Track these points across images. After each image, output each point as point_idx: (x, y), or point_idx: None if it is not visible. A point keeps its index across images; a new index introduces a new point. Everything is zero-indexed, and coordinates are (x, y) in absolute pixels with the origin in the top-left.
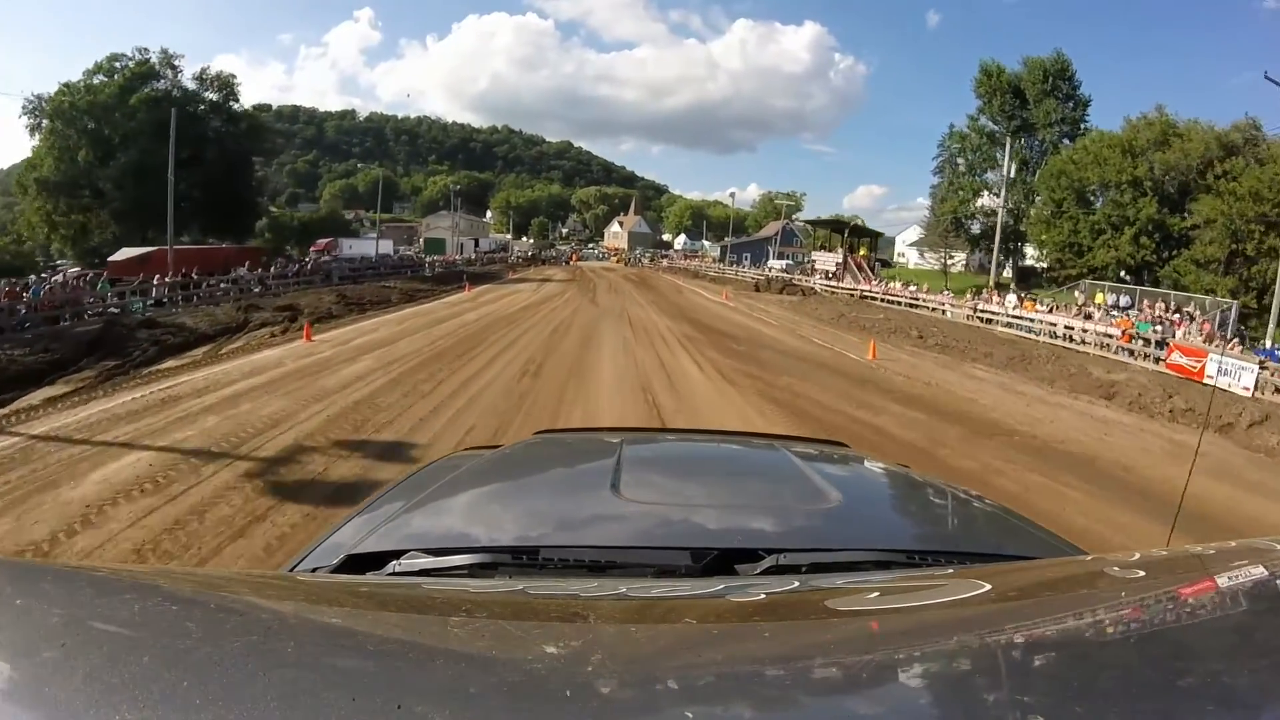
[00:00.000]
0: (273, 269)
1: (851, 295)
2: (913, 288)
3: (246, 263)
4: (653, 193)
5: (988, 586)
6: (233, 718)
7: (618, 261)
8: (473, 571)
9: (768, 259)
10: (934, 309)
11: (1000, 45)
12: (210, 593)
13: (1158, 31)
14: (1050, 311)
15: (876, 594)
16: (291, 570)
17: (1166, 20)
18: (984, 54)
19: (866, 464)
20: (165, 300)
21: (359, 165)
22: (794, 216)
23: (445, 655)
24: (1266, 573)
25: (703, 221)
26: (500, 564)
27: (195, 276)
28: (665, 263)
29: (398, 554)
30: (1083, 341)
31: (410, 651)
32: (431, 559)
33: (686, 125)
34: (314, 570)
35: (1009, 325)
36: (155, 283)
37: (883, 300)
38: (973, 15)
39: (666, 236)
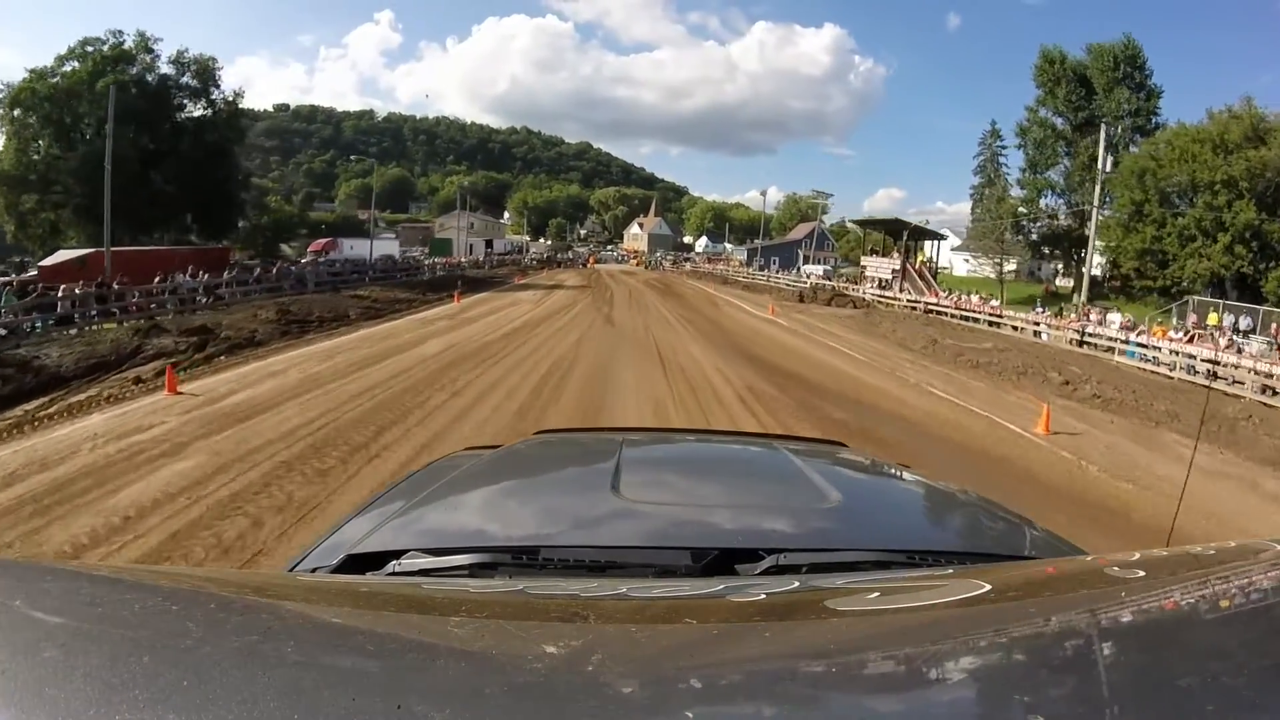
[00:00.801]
0: (226, 274)
1: (913, 309)
2: (994, 302)
3: (189, 267)
4: (672, 194)
5: (988, 586)
6: (233, 718)
7: (637, 264)
8: (473, 571)
9: (798, 263)
10: (1020, 329)
11: (1022, 47)
12: (210, 593)
13: (1181, 31)
14: (1189, 341)
15: (876, 594)
16: (291, 570)
17: (1189, 20)
18: (1007, 56)
19: (866, 464)
20: (75, 315)
21: (376, 165)
22: (825, 217)
23: (445, 655)
24: (1266, 573)
25: (725, 224)
26: (500, 564)
27: (117, 286)
28: (689, 266)
29: (398, 554)
30: (1234, 381)
31: (410, 651)
32: (431, 559)
33: (705, 127)
34: (314, 570)
35: (1114, 352)
36: (60, 294)
37: (955, 316)
38: (994, 17)
39: (687, 239)
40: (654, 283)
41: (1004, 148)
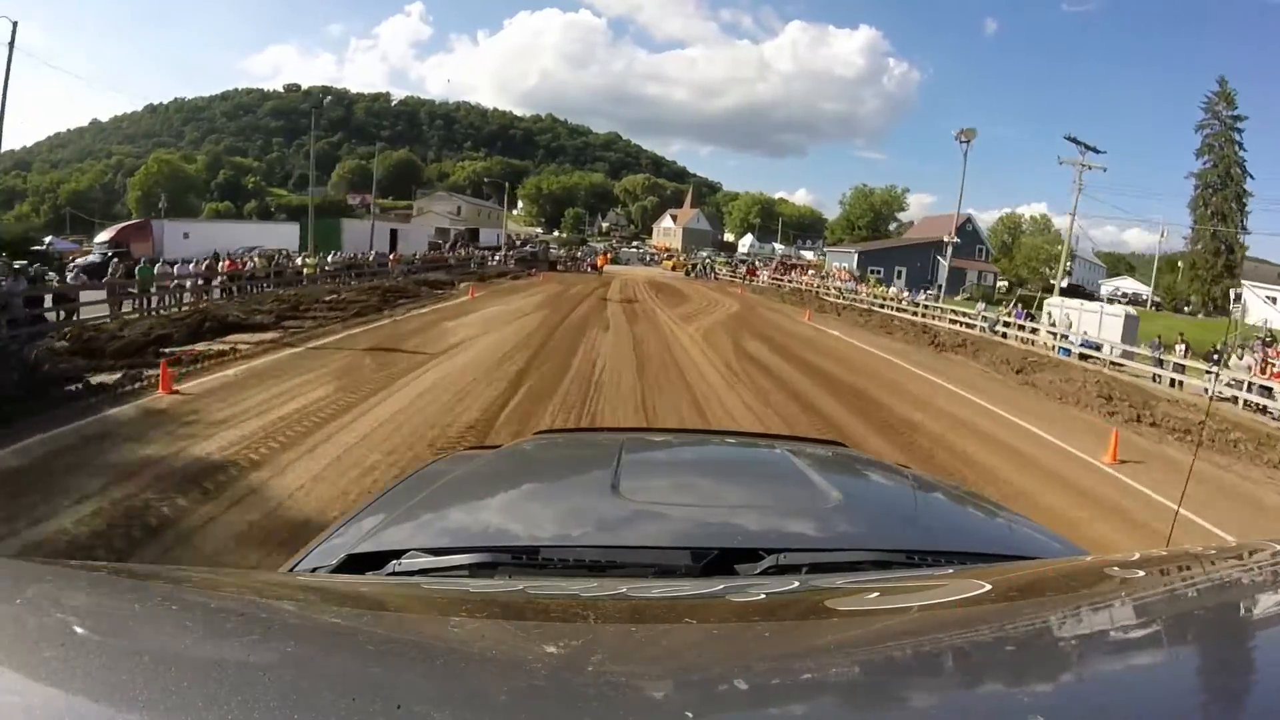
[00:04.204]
0: None
1: None
2: None
3: None
4: (706, 190)
5: (988, 586)
6: (232, 718)
7: (674, 268)
8: (473, 571)
9: (936, 275)
10: None
11: (1060, 54)
12: (210, 593)
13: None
14: None
15: (876, 594)
16: (291, 570)
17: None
18: (1043, 63)
19: (866, 464)
20: None
21: (384, 148)
22: (903, 215)
23: (445, 655)
24: (1266, 573)
25: (774, 220)
26: (500, 564)
27: None
28: (763, 276)
29: (398, 554)
30: None
31: (410, 651)
32: (431, 559)
33: (737, 127)
34: (314, 570)
35: None
36: None
37: None
38: (1031, 23)
39: (729, 236)
40: (763, 335)
41: (1238, 118)
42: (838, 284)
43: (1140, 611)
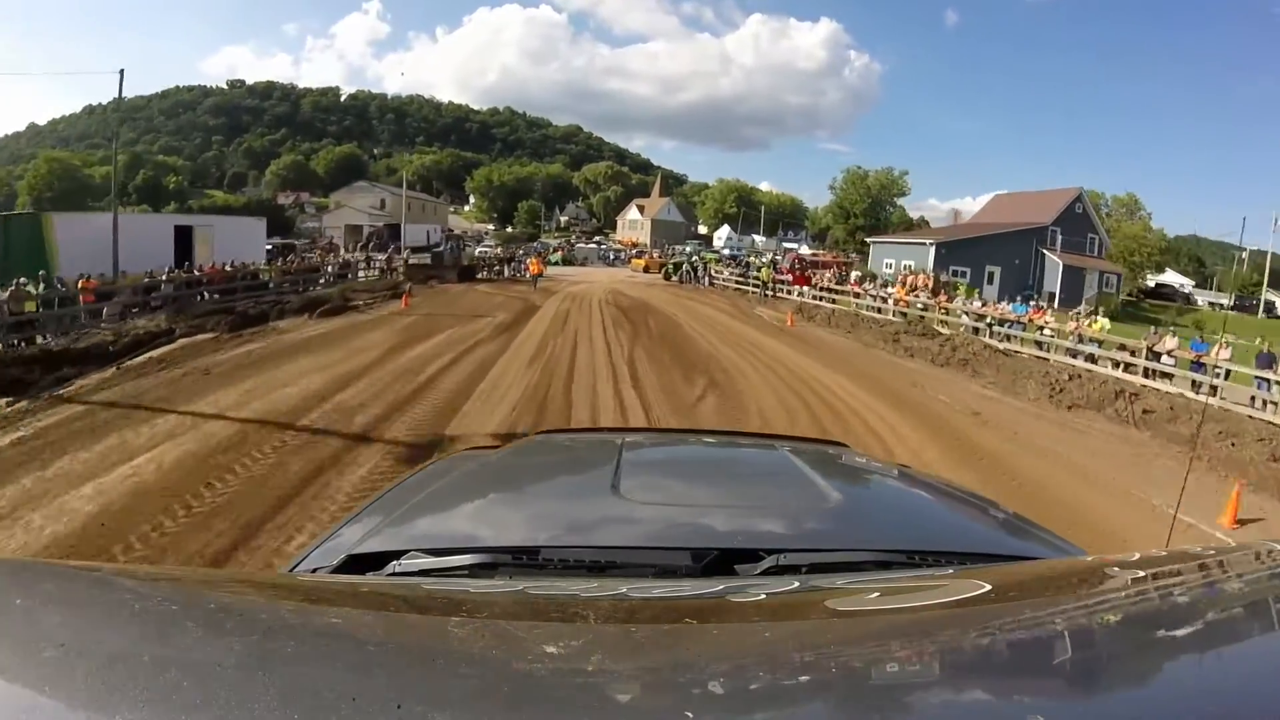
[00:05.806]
0: None
1: None
2: None
3: None
4: (673, 182)
5: (988, 586)
6: (233, 718)
7: (649, 268)
8: (473, 571)
9: (1042, 278)
10: None
11: (1019, 45)
12: (210, 593)
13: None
14: None
15: (876, 594)
16: (291, 570)
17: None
18: (1005, 53)
19: (866, 464)
20: None
21: (329, 144)
22: (905, 200)
23: (445, 655)
24: (1266, 573)
25: (753, 209)
26: (500, 564)
27: None
28: (808, 290)
29: (398, 554)
30: None
31: (410, 651)
32: (431, 559)
33: (699, 121)
34: (314, 571)
35: None
36: None
37: None
38: (991, 15)
39: (703, 229)
40: None
41: None
42: (975, 307)
43: (1140, 611)
